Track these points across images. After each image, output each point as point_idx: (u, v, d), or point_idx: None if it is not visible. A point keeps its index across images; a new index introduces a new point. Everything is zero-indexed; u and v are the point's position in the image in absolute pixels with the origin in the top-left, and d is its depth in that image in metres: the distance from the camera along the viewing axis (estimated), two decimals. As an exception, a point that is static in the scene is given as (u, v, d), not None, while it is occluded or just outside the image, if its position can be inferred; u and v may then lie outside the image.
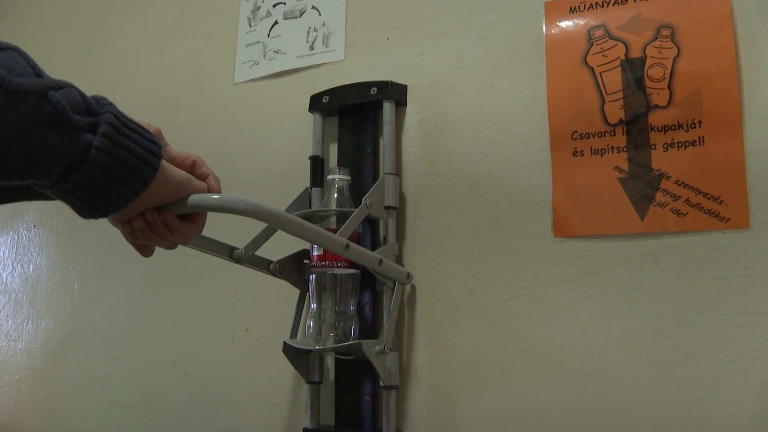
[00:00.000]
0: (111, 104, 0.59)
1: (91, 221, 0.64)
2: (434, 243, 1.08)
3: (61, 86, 0.55)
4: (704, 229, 0.90)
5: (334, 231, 0.94)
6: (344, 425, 1.08)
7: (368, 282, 1.08)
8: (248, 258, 0.98)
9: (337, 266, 1.03)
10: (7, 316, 1.62)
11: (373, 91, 1.12)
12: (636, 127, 0.95)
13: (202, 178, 0.72)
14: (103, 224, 1.50)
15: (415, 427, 1.06)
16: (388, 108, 1.11)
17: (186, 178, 0.66)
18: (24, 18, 1.80)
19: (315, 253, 1.05)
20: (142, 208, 0.65)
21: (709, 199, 0.90)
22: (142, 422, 1.36)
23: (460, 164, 1.08)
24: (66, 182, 0.57)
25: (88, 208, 0.61)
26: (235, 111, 1.33)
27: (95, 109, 0.58)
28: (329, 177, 1.08)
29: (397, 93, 1.12)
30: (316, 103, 1.18)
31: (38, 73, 0.54)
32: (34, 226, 1.63)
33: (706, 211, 0.90)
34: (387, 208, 1.07)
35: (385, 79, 1.12)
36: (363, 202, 1.01)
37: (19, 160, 0.53)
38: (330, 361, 1.13)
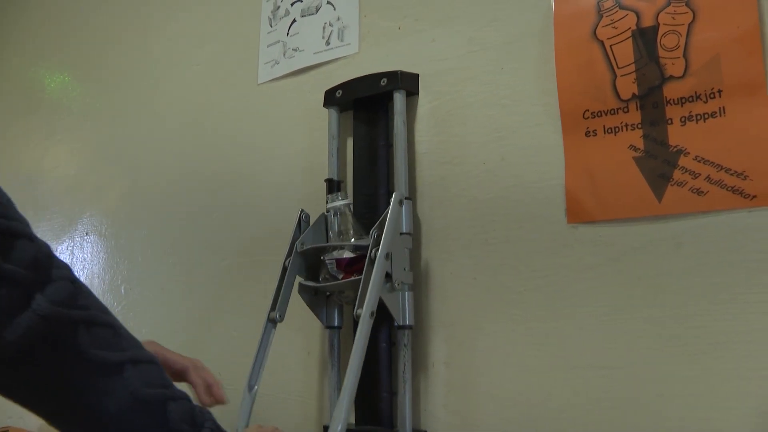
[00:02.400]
0: (211, 418, 0.66)
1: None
2: (449, 234, 1.04)
3: (178, 397, 0.62)
4: (728, 208, 0.82)
5: (348, 261, 0.98)
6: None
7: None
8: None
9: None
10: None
11: (384, 82, 1.09)
12: (650, 102, 0.88)
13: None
14: (145, 229, 1.55)
15: (434, 425, 1.02)
16: (398, 98, 1.08)
17: None
18: (66, 28, 1.88)
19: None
20: None
21: (732, 175, 0.82)
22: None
23: (472, 152, 1.04)
24: None
25: None
26: (259, 111, 1.33)
27: (199, 421, 0.63)
28: (328, 205, 1.06)
29: (407, 82, 1.09)
30: (330, 97, 1.17)
31: (165, 384, 0.61)
32: (86, 234, 1.70)
33: (730, 189, 0.82)
34: (401, 234, 1.02)
35: (398, 69, 1.09)
36: (378, 258, 0.93)
37: None
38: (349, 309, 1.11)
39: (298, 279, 1.06)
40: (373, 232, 0.95)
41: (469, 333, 1.00)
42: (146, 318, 1.50)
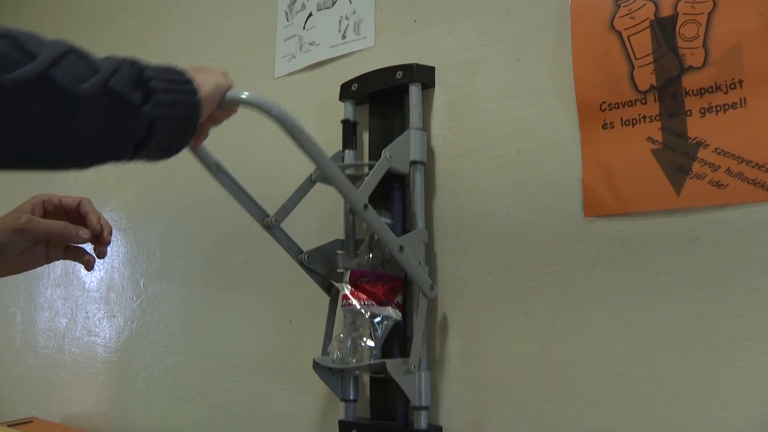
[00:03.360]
0: (145, 65, 0.65)
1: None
2: (464, 228, 1.03)
3: (114, 71, 0.60)
4: (748, 201, 0.80)
5: (360, 274, 0.98)
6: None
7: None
8: (277, 226, 1.00)
9: (366, 304, 0.98)
10: (87, 313, 1.72)
11: (399, 75, 1.08)
12: (669, 93, 0.86)
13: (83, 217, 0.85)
14: (163, 224, 1.55)
15: (448, 420, 1.01)
16: (414, 91, 1.07)
17: (215, 85, 0.73)
18: (84, 24, 1.90)
19: (344, 292, 1.02)
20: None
21: (753, 167, 0.80)
22: (198, 414, 1.39)
23: (487, 145, 1.03)
24: (140, 155, 0.66)
25: (162, 156, 0.69)
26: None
27: (141, 78, 0.63)
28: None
29: (423, 75, 1.08)
30: (346, 91, 1.16)
31: (94, 67, 0.59)
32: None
33: (750, 182, 0.80)
34: (413, 163, 1.04)
35: (413, 62, 1.09)
36: (383, 155, 0.97)
37: (99, 153, 0.62)
38: (366, 378, 1.11)
39: (314, 358, 1.05)
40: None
41: (484, 328, 0.99)
42: (164, 312, 1.51)
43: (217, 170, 0.94)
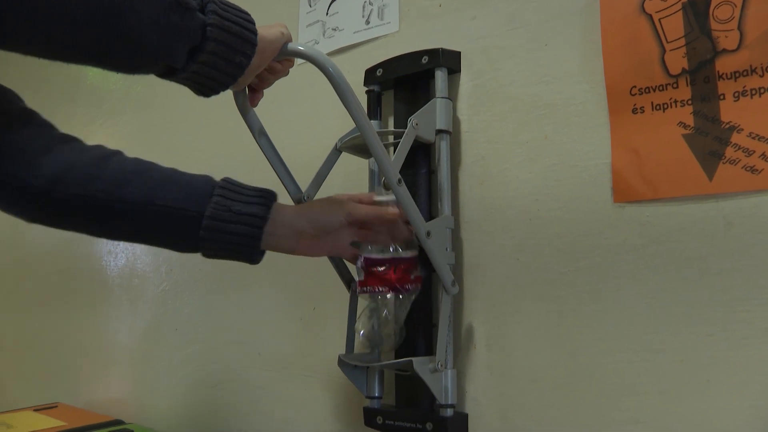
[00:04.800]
0: None
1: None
2: (490, 215, 1.03)
3: None
4: (783, 186, 0.79)
5: (375, 261, 0.95)
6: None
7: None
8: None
9: (380, 291, 0.95)
10: (112, 300, 1.73)
11: (425, 59, 1.07)
12: (701, 77, 0.85)
13: None
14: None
15: (475, 407, 1.01)
16: (440, 76, 1.06)
17: (279, 33, 0.78)
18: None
19: (358, 278, 0.99)
20: (254, 71, 0.79)
21: (788, 152, 0.79)
22: (221, 401, 1.40)
23: (514, 130, 1.02)
24: (195, 63, 0.70)
25: (213, 84, 0.74)
26: (299, 91, 1.33)
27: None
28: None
29: (449, 60, 1.07)
30: (370, 77, 1.15)
31: None
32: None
33: (786, 166, 0.79)
34: (439, 132, 1.03)
35: (438, 47, 1.08)
36: (409, 123, 0.97)
37: (154, 43, 0.65)
38: (390, 373, 1.10)
39: (339, 355, 1.04)
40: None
41: (512, 315, 0.99)
42: (185, 298, 1.52)
43: (259, 135, 0.94)
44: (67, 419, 1.58)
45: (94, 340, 1.82)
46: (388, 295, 0.94)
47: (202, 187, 0.82)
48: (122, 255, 1.72)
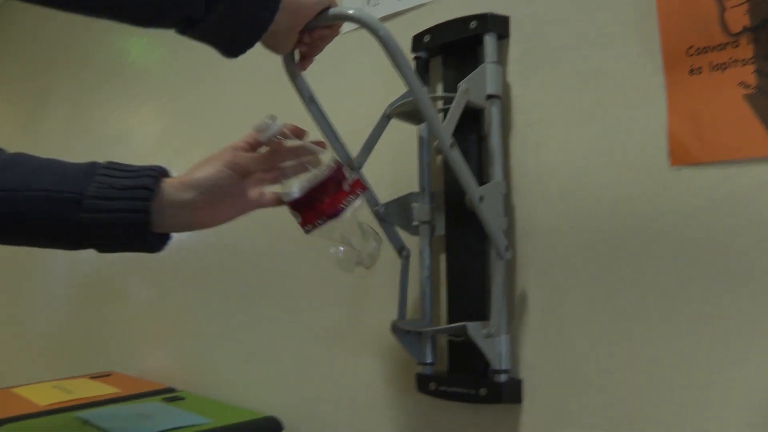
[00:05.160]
0: None
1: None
2: (543, 180, 1.02)
3: None
4: None
5: None
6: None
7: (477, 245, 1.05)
8: (359, 168, 1.01)
9: (320, 223, 0.84)
10: (160, 268, 1.77)
11: (473, 25, 1.06)
12: (765, 35, 0.83)
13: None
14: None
15: (529, 373, 1.01)
16: (489, 41, 1.05)
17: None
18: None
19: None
20: (289, 32, 0.79)
21: None
22: (270, 371, 1.43)
23: (566, 94, 1.00)
24: (214, 13, 0.69)
25: (236, 39, 0.74)
26: (345, 61, 1.33)
27: None
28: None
29: (497, 25, 1.06)
30: (417, 43, 1.15)
31: None
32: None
33: None
34: (489, 97, 1.03)
35: (486, 12, 1.06)
36: (459, 88, 0.97)
37: None
38: (442, 340, 1.11)
39: (393, 321, 1.05)
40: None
41: (566, 280, 0.98)
42: (237, 267, 1.54)
43: (309, 101, 0.95)
44: (122, 386, 1.63)
45: (146, 309, 1.86)
46: (331, 222, 0.85)
47: (84, 169, 0.75)
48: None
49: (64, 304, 2.34)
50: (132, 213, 0.73)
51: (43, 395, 1.54)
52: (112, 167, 0.76)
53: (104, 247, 0.76)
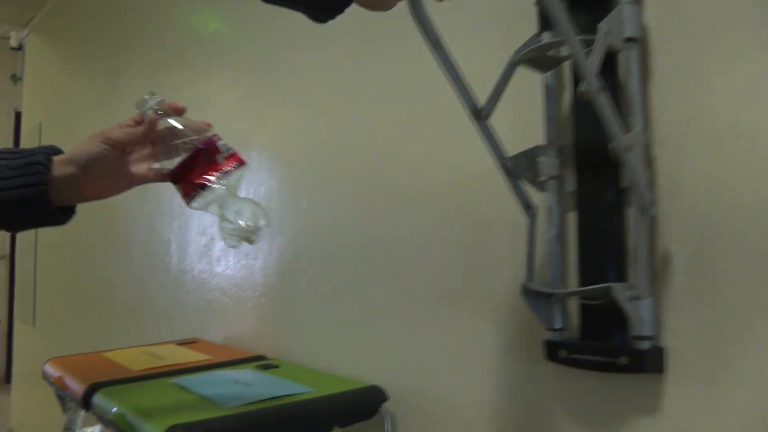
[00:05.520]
0: None
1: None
2: (688, 130, 0.92)
3: None
4: None
5: None
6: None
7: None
8: (486, 119, 0.94)
9: (195, 193, 0.86)
10: (245, 236, 1.73)
11: (605, -38, 0.96)
12: None
13: None
14: (316, 142, 1.51)
15: (674, 340, 0.92)
16: (622, -20, 0.95)
17: None
18: None
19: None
20: None
21: None
22: (375, 339, 1.37)
23: (713, 35, 0.89)
24: None
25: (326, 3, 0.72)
26: (456, 6, 1.24)
27: None
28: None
29: (634, -40, 0.96)
30: (539, -18, 1.05)
31: None
32: (264, 149, 1.70)
33: None
34: (628, 40, 0.93)
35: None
36: (599, 30, 0.89)
37: None
38: (574, 304, 1.03)
39: (523, 282, 0.99)
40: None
41: (716, 237, 0.88)
42: (324, 232, 1.49)
43: (436, 45, 0.88)
44: (211, 353, 1.60)
45: (228, 277, 1.83)
46: (205, 194, 0.86)
47: None
48: (258, 190, 1.71)
49: (145, 271, 2.34)
50: (29, 187, 0.79)
51: (134, 360, 1.52)
52: (7, 151, 0.83)
53: (11, 225, 0.83)
